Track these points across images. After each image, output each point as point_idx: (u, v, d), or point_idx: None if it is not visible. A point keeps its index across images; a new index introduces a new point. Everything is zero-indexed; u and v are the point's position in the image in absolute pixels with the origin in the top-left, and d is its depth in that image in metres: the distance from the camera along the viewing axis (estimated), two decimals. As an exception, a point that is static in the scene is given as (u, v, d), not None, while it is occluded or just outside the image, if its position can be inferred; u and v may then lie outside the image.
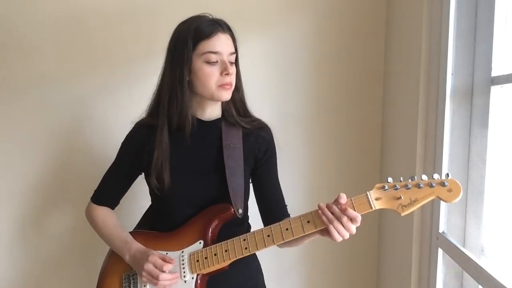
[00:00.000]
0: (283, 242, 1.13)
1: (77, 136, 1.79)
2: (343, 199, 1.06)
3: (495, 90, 1.17)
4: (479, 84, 1.23)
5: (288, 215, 1.32)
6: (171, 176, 1.19)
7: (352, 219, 1.05)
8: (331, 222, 1.05)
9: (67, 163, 1.80)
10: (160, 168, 1.19)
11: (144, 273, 1.16)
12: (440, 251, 1.32)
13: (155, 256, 1.17)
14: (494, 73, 1.17)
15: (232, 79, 1.18)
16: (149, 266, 1.15)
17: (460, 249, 1.20)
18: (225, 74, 1.15)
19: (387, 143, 1.77)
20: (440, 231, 1.32)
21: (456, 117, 1.28)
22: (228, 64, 1.16)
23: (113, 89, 1.77)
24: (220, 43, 1.15)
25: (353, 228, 1.06)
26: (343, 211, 1.05)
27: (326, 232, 1.08)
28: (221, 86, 1.16)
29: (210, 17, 1.20)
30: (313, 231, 1.10)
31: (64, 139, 1.78)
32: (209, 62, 1.15)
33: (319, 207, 1.07)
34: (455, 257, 1.23)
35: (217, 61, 1.15)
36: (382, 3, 1.78)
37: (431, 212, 1.36)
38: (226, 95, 1.18)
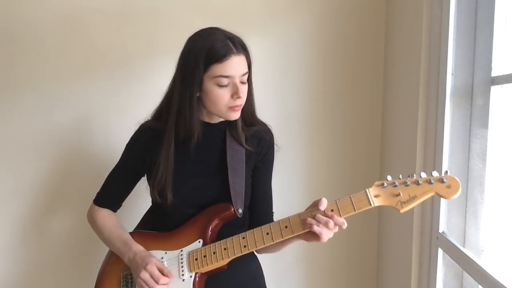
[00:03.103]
0: (281, 240, 1.13)
1: (78, 137, 1.79)
2: (323, 206, 1.08)
3: (495, 90, 1.17)
4: (479, 84, 1.23)
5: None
6: (173, 187, 1.19)
7: (338, 226, 1.08)
8: (321, 229, 1.08)
9: (67, 164, 1.80)
10: (163, 184, 1.19)
11: (139, 280, 1.15)
12: (440, 251, 1.32)
13: (154, 266, 1.16)
14: (494, 73, 1.17)
15: (242, 100, 1.16)
16: (145, 276, 1.14)
17: (460, 249, 1.20)
18: (236, 98, 1.14)
19: (387, 143, 1.77)
20: (440, 231, 1.32)
21: (456, 117, 1.28)
22: (240, 87, 1.14)
23: (114, 90, 1.77)
24: (233, 67, 1.12)
25: (337, 229, 1.09)
26: (331, 218, 1.07)
27: (310, 236, 1.11)
28: (231, 108, 1.15)
29: (224, 33, 1.16)
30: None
31: (64, 140, 1.78)
32: (220, 85, 1.13)
33: (302, 219, 1.10)
34: (455, 257, 1.23)
35: (228, 84, 1.13)
36: (382, 3, 1.78)
37: (431, 212, 1.36)
38: (235, 115, 1.17)
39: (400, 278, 1.58)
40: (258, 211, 1.32)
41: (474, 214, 1.24)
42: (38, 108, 1.76)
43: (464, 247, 1.25)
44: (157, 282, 1.14)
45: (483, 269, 1.07)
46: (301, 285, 1.92)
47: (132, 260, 1.19)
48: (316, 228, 1.07)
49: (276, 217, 1.36)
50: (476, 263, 1.10)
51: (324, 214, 1.08)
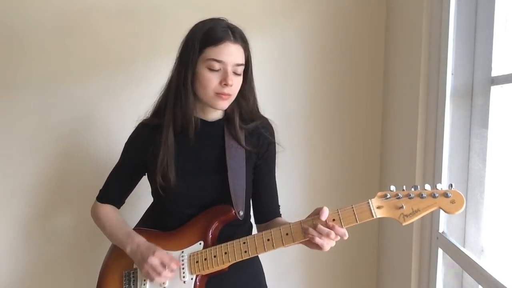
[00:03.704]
0: (282, 247, 1.13)
1: (78, 136, 1.79)
2: (324, 216, 1.08)
3: (495, 90, 1.17)
4: (479, 84, 1.23)
5: (280, 216, 1.33)
6: (176, 175, 1.19)
7: (340, 236, 1.08)
8: (323, 240, 1.08)
9: (68, 163, 1.80)
10: (165, 167, 1.19)
11: (146, 266, 1.15)
12: (440, 251, 1.32)
13: (163, 252, 1.16)
14: (494, 73, 1.17)
15: (231, 90, 1.15)
16: (154, 261, 1.14)
17: (460, 249, 1.20)
18: (224, 84, 1.13)
19: (387, 143, 1.77)
20: (440, 231, 1.32)
21: (456, 117, 1.28)
22: (230, 75, 1.13)
23: (114, 89, 1.77)
24: (227, 53, 1.12)
25: (338, 238, 1.09)
26: (332, 228, 1.07)
27: (312, 244, 1.11)
28: (218, 95, 1.14)
29: (227, 22, 1.18)
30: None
31: (65, 139, 1.78)
32: (211, 69, 1.13)
33: (304, 230, 1.09)
34: (455, 257, 1.23)
35: (219, 69, 1.13)
36: (382, 3, 1.78)
37: (431, 212, 1.36)
38: (222, 104, 1.16)
39: (400, 278, 1.58)
40: (264, 207, 1.32)
41: (474, 214, 1.24)
42: (39, 107, 1.76)
43: (464, 247, 1.25)
44: (168, 267, 1.14)
45: (483, 269, 1.06)
46: (301, 285, 1.92)
47: (135, 251, 1.19)
48: (317, 240, 1.07)
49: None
50: (476, 263, 1.10)
51: (326, 224, 1.07)
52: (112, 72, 1.76)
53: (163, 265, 1.15)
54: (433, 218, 1.35)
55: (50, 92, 1.75)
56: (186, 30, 1.20)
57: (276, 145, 1.31)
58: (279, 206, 1.35)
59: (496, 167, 1.18)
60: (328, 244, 1.08)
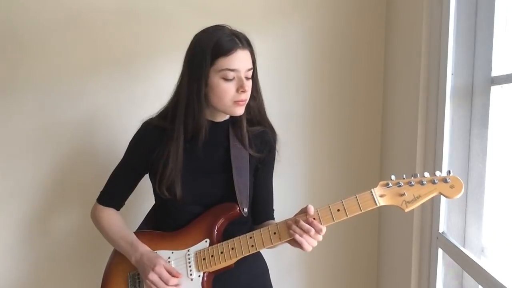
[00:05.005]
0: (288, 239, 1.14)
1: (79, 136, 1.79)
2: (311, 211, 1.12)
3: (495, 90, 1.17)
4: (479, 84, 1.23)
5: (273, 219, 1.36)
6: (182, 184, 1.20)
7: (318, 231, 1.10)
8: (300, 235, 1.11)
9: (69, 163, 1.80)
10: (173, 180, 1.19)
11: (147, 281, 1.16)
12: (440, 251, 1.32)
13: (162, 267, 1.16)
14: (494, 73, 1.17)
15: (247, 95, 1.17)
16: (154, 277, 1.15)
17: (460, 249, 1.20)
18: (241, 91, 1.15)
19: (387, 144, 1.77)
20: (440, 231, 1.32)
21: (456, 117, 1.28)
22: (245, 81, 1.15)
23: (115, 89, 1.77)
24: (239, 61, 1.14)
25: (320, 237, 1.12)
26: (310, 224, 1.10)
27: (295, 243, 1.13)
28: (236, 102, 1.16)
29: (230, 29, 1.18)
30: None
31: (66, 139, 1.78)
32: (226, 79, 1.14)
33: (287, 224, 1.13)
34: (455, 257, 1.23)
35: (234, 78, 1.14)
36: (382, 3, 1.78)
37: (431, 212, 1.36)
38: (240, 110, 1.18)
39: (400, 278, 1.58)
40: (260, 209, 1.34)
41: (474, 214, 1.24)
42: (39, 107, 1.76)
43: (464, 247, 1.25)
44: (166, 283, 1.15)
45: (483, 269, 1.07)
46: (301, 284, 1.93)
47: (139, 261, 1.20)
48: (297, 237, 1.10)
49: (276, 216, 1.36)
50: (476, 263, 1.10)
51: (307, 221, 1.10)
52: (113, 72, 1.76)
53: (164, 280, 1.15)
54: (433, 218, 1.35)
55: (50, 92, 1.75)
56: (187, 31, 1.20)
57: (276, 153, 1.33)
58: (273, 210, 1.36)
59: (496, 167, 1.18)
60: (308, 242, 1.10)
